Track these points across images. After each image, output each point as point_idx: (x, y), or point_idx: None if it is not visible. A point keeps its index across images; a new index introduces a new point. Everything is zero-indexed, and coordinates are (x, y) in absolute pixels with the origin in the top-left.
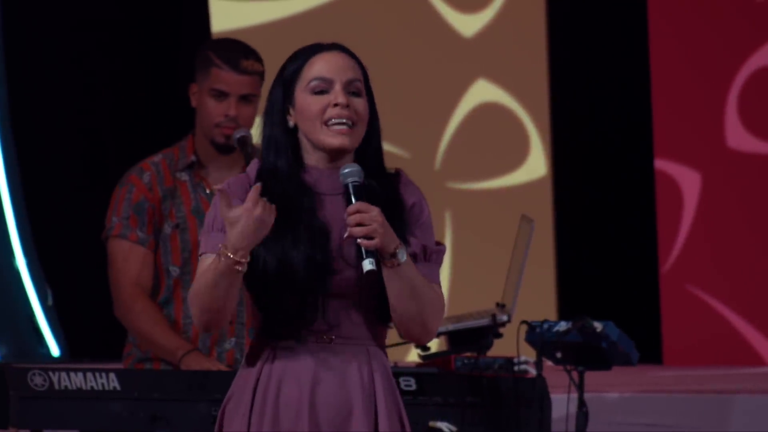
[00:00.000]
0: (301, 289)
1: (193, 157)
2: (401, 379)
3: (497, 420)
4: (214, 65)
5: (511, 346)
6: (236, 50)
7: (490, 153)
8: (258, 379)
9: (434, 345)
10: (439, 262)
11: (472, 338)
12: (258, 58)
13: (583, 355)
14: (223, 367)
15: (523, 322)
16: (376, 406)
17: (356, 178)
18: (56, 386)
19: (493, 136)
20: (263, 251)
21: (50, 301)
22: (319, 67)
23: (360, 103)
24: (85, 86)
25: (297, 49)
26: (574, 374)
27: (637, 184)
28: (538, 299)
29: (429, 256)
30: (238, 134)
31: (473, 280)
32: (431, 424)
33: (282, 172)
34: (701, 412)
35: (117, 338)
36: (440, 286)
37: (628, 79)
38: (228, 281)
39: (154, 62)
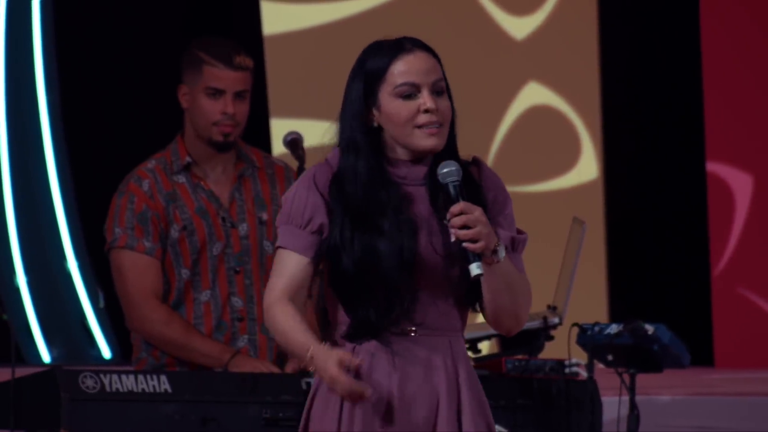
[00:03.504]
0: (390, 283)
1: (188, 159)
2: None
3: (548, 422)
4: (206, 64)
5: (562, 348)
6: (227, 47)
7: (542, 155)
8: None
9: (485, 347)
10: (523, 251)
11: (523, 340)
12: (247, 53)
13: (635, 357)
14: (273, 367)
15: (575, 324)
16: (459, 396)
17: (455, 178)
18: (107, 388)
19: (545, 139)
20: (347, 249)
21: (101, 304)
22: (405, 71)
23: (444, 103)
24: (135, 90)
25: (376, 44)
26: (626, 377)
27: (689, 186)
28: (590, 301)
29: (516, 246)
30: (289, 137)
31: None
32: None
33: (362, 171)
34: (753, 414)
35: None
36: (526, 275)
37: (679, 82)
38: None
39: None
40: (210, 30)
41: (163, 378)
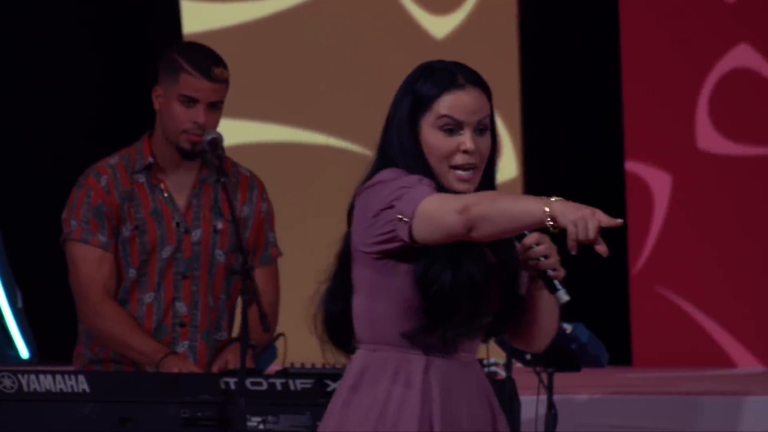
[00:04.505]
0: (480, 301)
1: (150, 159)
2: None
3: None
4: (184, 71)
5: (482, 347)
6: (207, 57)
7: None
8: (423, 397)
9: None
10: None
11: None
12: (225, 65)
13: (553, 356)
14: (196, 369)
15: None
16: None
17: None
18: (25, 389)
19: None
20: (447, 266)
21: (20, 304)
22: (452, 106)
23: (485, 142)
24: (53, 87)
25: (429, 67)
26: (544, 376)
27: (608, 185)
28: None
29: None
30: (209, 136)
31: None
32: None
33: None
34: (670, 413)
35: None
36: None
37: (599, 81)
38: (523, 227)
39: (124, 64)
40: (129, 27)
41: (81, 378)
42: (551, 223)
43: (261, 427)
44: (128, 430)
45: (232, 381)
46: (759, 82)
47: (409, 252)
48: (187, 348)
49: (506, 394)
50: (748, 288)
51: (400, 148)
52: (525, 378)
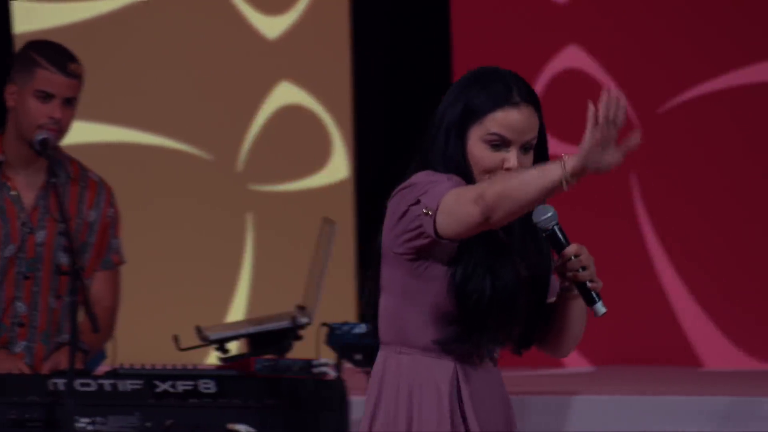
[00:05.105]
0: (514, 316)
1: (1, 157)
2: (201, 382)
3: (297, 422)
4: (40, 67)
5: (311, 348)
6: (62, 53)
7: (293, 155)
8: (450, 401)
9: (234, 347)
10: None
11: (272, 340)
12: (79, 62)
13: None
14: (25, 368)
15: (324, 324)
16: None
17: (557, 221)
18: None
19: (296, 138)
20: (486, 273)
21: None
22: (504, 125)
23: (528, 160)
24: None
25: (485, 76)
26: None
27: None
28: (339, 301)
29: None
30: (40, 136)
31: (275, 283)
32: (230, 426)
33: None
34: (525, 413)
35: None
36: None
37: (430, 81)
38: (547, 195)
39: None
40: None
41: None
42: (568, 169)
43: (89, 428)
44: None
45: (60, 382)
46: (589, 84)
47: (444, 256)
48: (24, 348)
49: (336, 394)
50: None
51: (443, 152)
52: (356, 378)
